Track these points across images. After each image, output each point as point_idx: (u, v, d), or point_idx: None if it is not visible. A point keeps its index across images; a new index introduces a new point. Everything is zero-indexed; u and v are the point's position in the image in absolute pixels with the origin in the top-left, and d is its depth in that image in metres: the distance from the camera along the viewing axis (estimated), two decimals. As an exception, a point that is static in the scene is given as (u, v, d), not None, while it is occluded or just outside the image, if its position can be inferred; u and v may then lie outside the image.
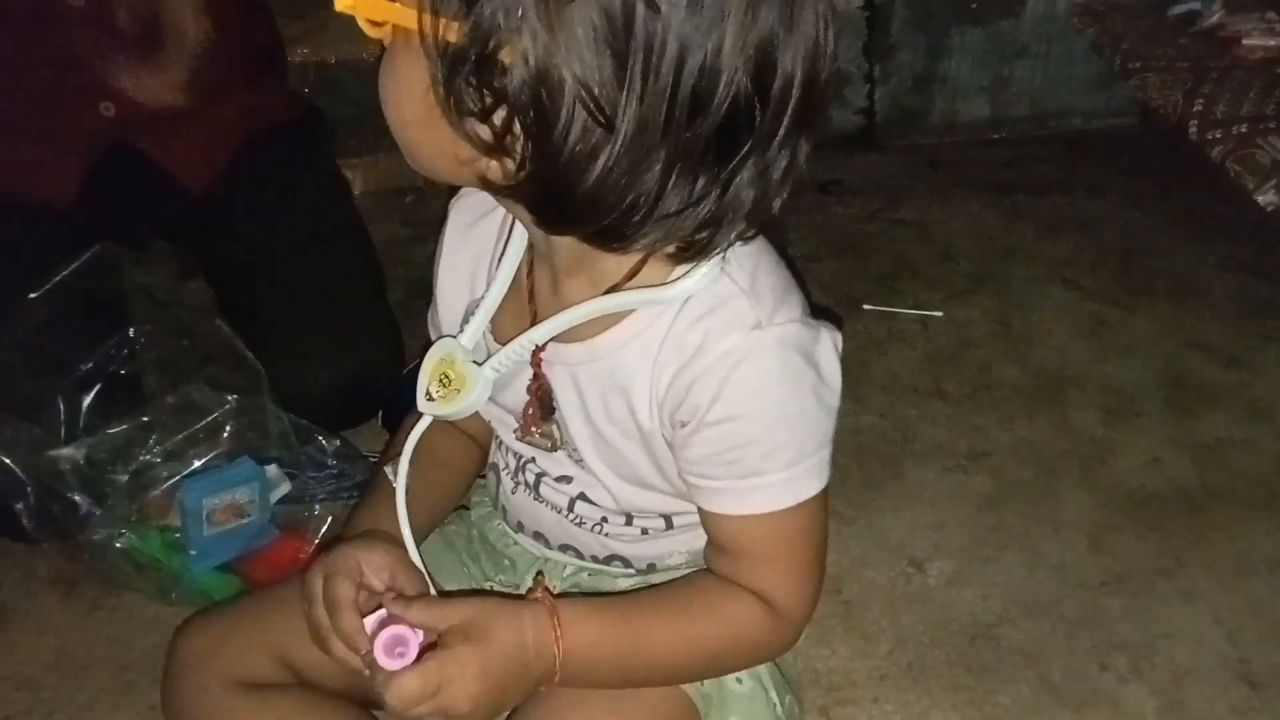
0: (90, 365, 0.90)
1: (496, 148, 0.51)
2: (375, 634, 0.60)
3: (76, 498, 0.91)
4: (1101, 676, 0.94)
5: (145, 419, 0.89)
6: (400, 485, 0.71)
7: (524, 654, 0.62)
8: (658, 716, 0.71)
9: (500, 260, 0.69)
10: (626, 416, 0.65)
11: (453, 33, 0.48)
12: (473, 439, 0.81)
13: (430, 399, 0.67)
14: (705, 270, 0.60)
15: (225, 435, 1.01)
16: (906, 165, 1.91)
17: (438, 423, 0.80)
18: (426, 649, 0.60)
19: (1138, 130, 1.95)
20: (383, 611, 0.62)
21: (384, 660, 0.59)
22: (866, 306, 1.49)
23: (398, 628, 0.60)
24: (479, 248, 0.72)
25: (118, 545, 0.98)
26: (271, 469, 1.04)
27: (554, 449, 0.71)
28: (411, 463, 0.78)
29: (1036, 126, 2.00)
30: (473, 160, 0.53)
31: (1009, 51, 1.95)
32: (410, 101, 0.52)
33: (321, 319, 1.14)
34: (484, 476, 0.86)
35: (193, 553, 1.00)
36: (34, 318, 0.92)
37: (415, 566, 0.68)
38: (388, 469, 0.75)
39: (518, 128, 0.50)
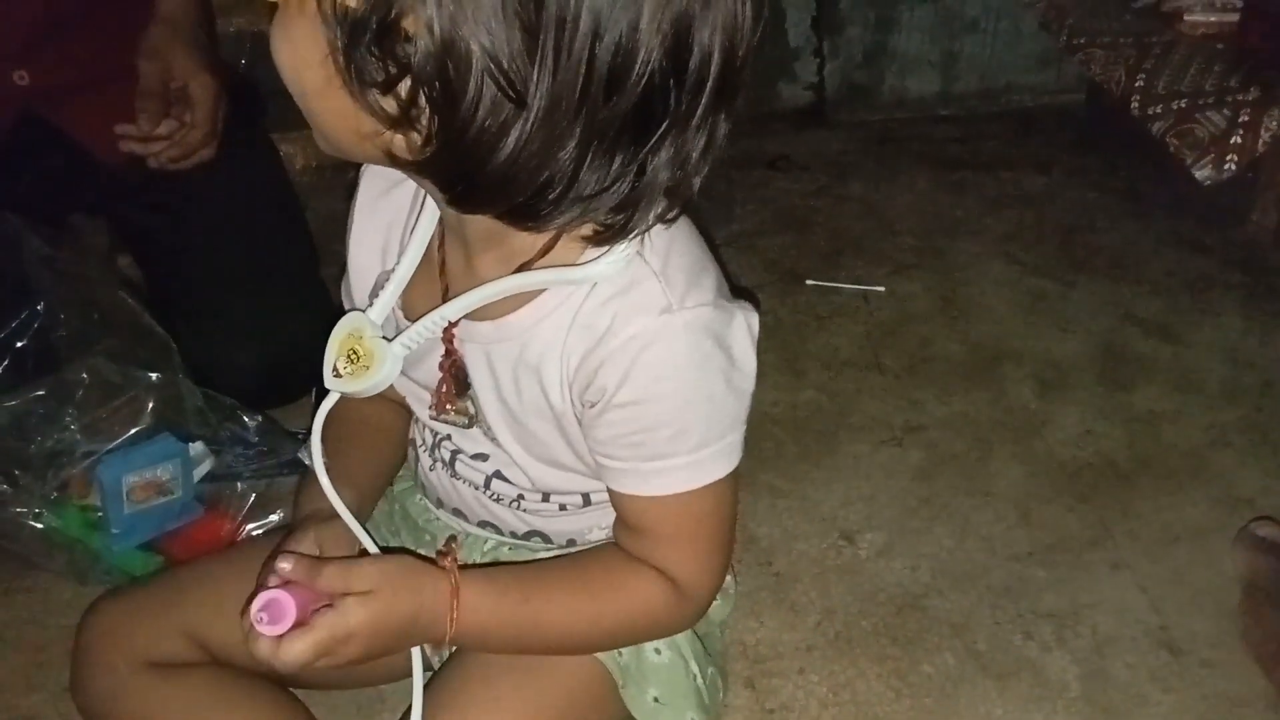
0: (-1, 338, 0.88)
1: (401, 121, 0.49)
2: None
3: (-15, 475, 0.89)
4: (1025, 645, 0.95)
5: (41, 391, 0.87)
6: (318, 463, 0.69)
7: (415, 621, 0.62)
8: (572, 691, 0.70)
9: (412, 232, 0.67)
10: (538, 396, 0.64)
11: None
12: (402, 405, 0.80)
13: (338, 375, 0.65)
14: (619, 251, 0.58)
15: (146, 412, 0.99)
16: (855, 141, 1.91)
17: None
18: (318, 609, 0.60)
19: (1085, 107, 1.96)
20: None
21: (262, 628, 0.58)
22: (809, 282, 1.49)
23: (274, 593, 0.58)
24: (391, 217, 0.70)
25: (35, 525, 0.96)
26: (196, 446, 1.02)
27: (469, 426, 0.70)
28: (342, 434, 0.76)
29: (985, 102, 2.01)
30: (376, 134, 0.51)
31: (958, 27, 1.95)
32: (307, 70, 0.50)
33: (248, 294, 1.12)
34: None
35: (115, 531, 0.98)
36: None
37: (345, 539, 0.67)
38: (302, 453, 0.74)
39: (423, 101, 0.48)
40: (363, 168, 0.72)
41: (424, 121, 0.49)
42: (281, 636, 0.58)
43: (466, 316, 0.64)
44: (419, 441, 0.77)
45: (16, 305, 0.95)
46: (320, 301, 1.22)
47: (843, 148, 1.88)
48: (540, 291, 0.61)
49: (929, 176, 1.78)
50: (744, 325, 0.63)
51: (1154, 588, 1.01)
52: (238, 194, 1.16)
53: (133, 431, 0.98)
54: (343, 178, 1.73)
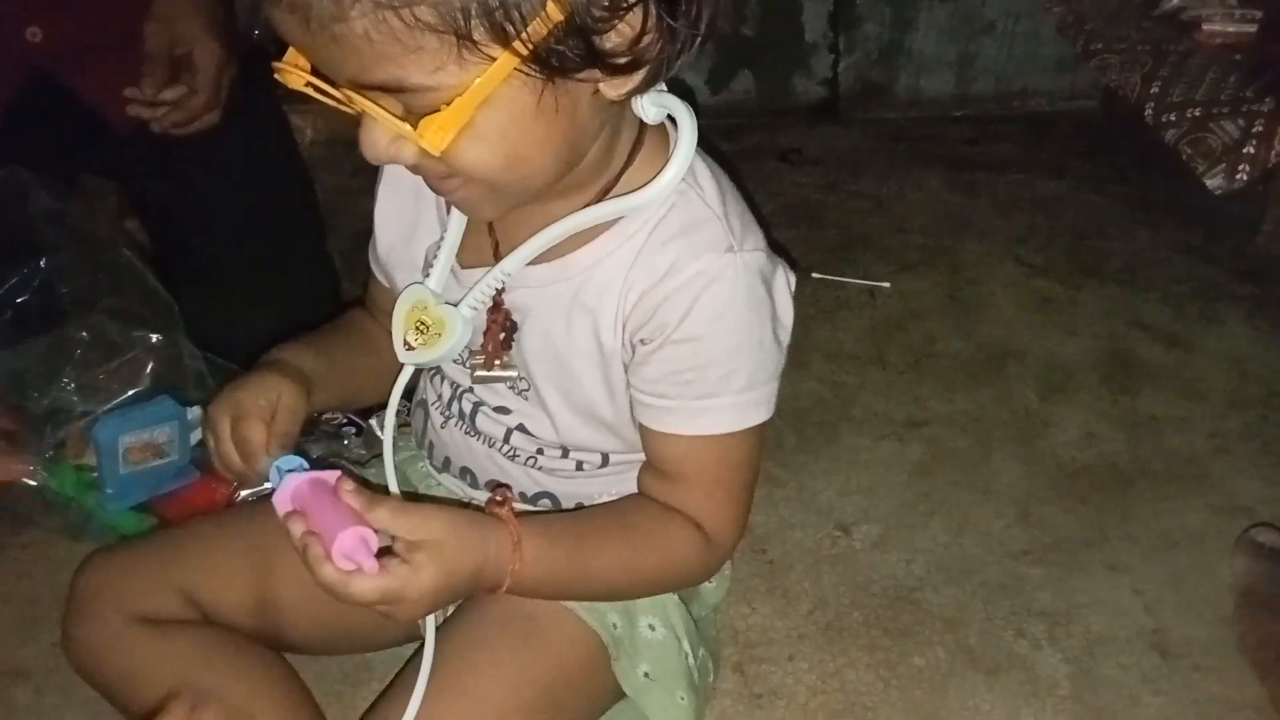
0: (1, 292, 0.88)
1: (629, 60, 0.53)
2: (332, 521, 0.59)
3: (-18, 429, 0.89)
4: (1017, 642, 0.95)
5: (41, 348, 0.87)
6: (388, 439, 0.71)
7: (478, 576, 0.62)
8: (565, 660, 0.71)
9: None
10: (589, 337, 0.66)
11: (551, 15, 0.49)
12: None
13: (410, 348, 0.66)
14: (672, 174, 0.61)
15: (146, 373, 0.98)
16: (868, 138, 1.90)
17: (365, 314, 0.81)
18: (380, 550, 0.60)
19: (1100, 113, 1.95)
20: (341, 481, 0.60)
21: (340, 561, 0.58)
22: (815, 275, 1.48)
23: (364, 531, 0.58)
24: None
25: (30, 483, 0.96)
26: (195, 409, 1.02)
27: (513, 383, 0.70)
28: (342, 332, 0.79)
29: (1000, 105, 2.00)
30: (596, 116, 0.56)
31: (976, 28, 1.94)
32: (524, 135, 0.54)
33: (253, 262, 1.12)
34: (408, 424, 0.85)
35: (109, 491, 0.98)
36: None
37: (297, 400, 0.70)
38: (374, 421, 0.76)
39: (651, 19, 0.52)
40: None
41: (648, 36, 0.52)
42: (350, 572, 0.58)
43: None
44: (431, 399, 0.77)
45: (21, 260, 0.94)
46: (325, 271, 1.22)
47: (855, 144, 1.88)
48: (601, 231, 0.63)
49: (940, 176, 1.77)
50: (784, 280, 0.67)
51: (1149, 591, 1.00)
52: (245, 162, 1.16)
53: (131, 392, 0.98)
54: (351, 153, 1.73)
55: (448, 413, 0.75)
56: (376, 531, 0.59)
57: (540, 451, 0.73)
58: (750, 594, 0.99)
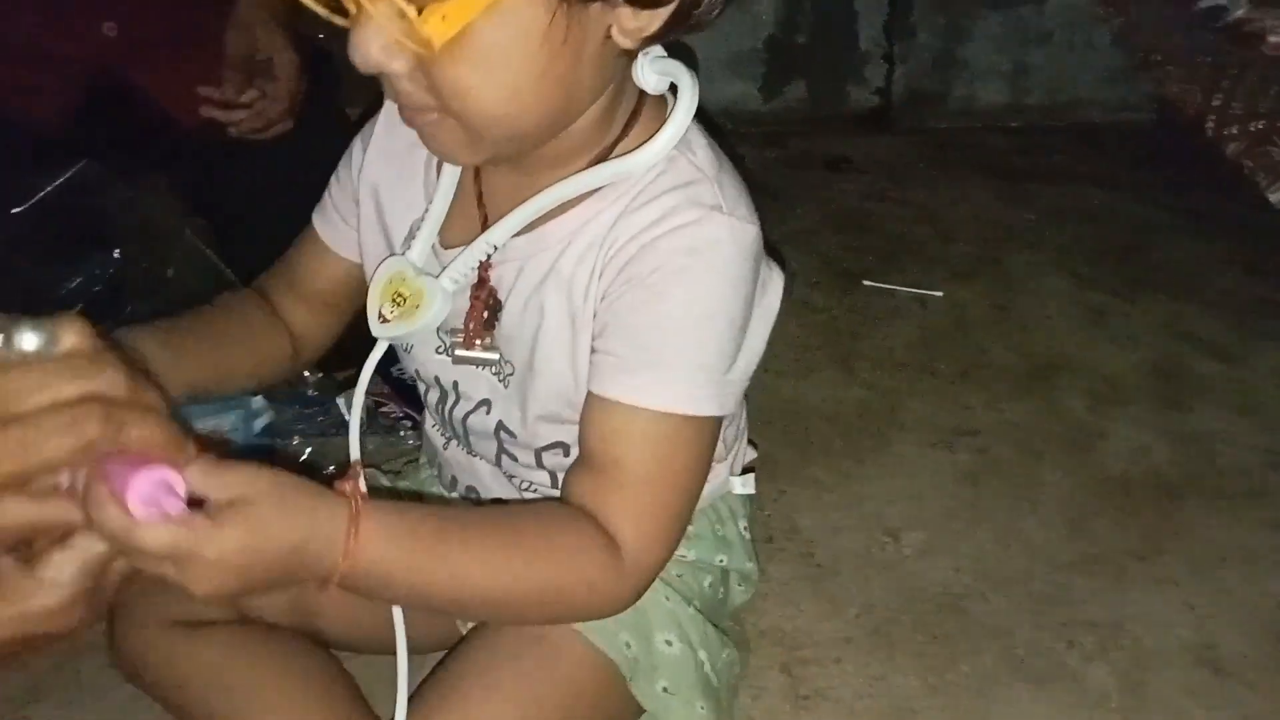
0: (74, 284, 0.91)
1: None
2: (129, 463, 0.45)
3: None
4: (1066, 653, 0.94)
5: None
6: (355, 417, 0.68)
7: (300, 552, 0.50)
8: (577, 681, 0.67)
9: (439, 170, 0.66)
10: (563, 310, 0.62)
11: None
12: (296, 338, 0.76)
13: (384, 320, 0.64)
14: (668, 135, 0.59)
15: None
16: (919, 147, 1.90)
17: (255, 301, 0.77)
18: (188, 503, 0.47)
19: (1154, 126, 1.94)
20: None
21: (136, 506, 0.44)
22: (866, 283, 1.48)
23: (166, 473, 0.45)
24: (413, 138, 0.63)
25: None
26: (257, 399, 1.05)
27: (494, 365, 0.67)
28: (213, 319, 0.74)
29: (1053, 116, 1.99)
30: (606, 59, 0.54)
31: (1030, 38, 1.94)
32: (524, 61, 0.51)
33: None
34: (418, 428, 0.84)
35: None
36: (15, 233, 0.91)
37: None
38: (340, 400, 0.74)
39: None
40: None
41: None
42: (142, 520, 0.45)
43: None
44: (432, 423, 0.76)
45: (94, 251, 0.97)
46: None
47: (906, 153, 1.88)
48: (586, 197, 0.61)
49: (991, 186, 1.77)
50: (775, 277, 0.65)
51: (1200, 606, 0.99)
52: (308, 163, 1.18)
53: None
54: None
55: (448, 433, 0.74)
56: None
57: (530, 486, 0.71)
58: (797, 596, 0.99)
